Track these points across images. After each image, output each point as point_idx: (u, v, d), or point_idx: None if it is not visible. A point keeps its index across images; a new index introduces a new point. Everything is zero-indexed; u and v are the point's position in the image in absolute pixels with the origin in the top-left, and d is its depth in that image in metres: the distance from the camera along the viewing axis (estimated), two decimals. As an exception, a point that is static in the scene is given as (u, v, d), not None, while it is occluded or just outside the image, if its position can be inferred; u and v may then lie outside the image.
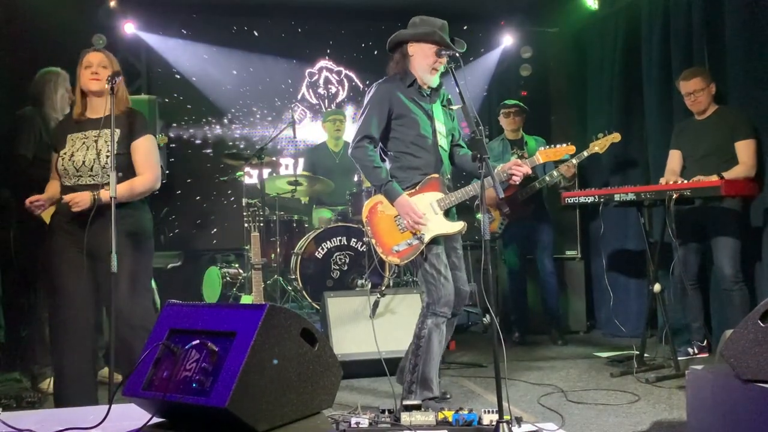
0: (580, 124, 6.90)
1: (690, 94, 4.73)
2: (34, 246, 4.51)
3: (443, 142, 3.75)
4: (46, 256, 3.53)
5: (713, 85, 4.70)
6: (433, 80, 3.70)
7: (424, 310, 3.64)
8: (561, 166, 5.46)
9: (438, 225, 3.60)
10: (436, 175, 3.68)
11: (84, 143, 3.46)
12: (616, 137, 5.11)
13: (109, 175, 3.34)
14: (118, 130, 3.47)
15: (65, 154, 3.47)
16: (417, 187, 3.65)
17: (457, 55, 3.49)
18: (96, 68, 3.50)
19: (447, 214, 3.66)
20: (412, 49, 3.68)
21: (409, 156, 3.68)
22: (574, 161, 5.38)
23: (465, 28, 7.45)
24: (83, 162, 3.42)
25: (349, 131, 7.08)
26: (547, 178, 5.62)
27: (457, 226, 3.63)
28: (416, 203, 3.58)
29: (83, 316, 3.42)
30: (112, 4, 6.41)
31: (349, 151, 3.68)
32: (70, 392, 3.41)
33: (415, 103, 3.68)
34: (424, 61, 3.64)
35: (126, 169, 3.48)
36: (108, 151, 3.42)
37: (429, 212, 3.59)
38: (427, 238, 3.56)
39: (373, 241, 3.69)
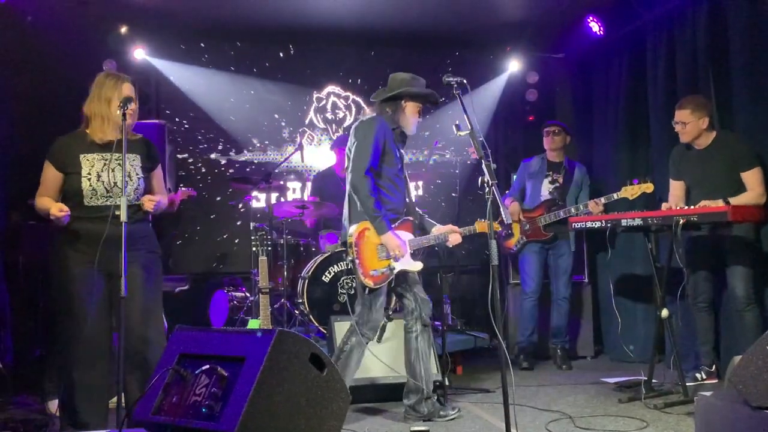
0: (585, 149, 6.92)
1: (677, 123, 4.68)
2: (43, 269, 4.55)
3: (408, 186, 4.27)
4: (61, 278, 3.52)
5: (705, 119, 4.59)
6: (414, 130, 4.24)
7: (352, 327, 4.06)
8: (590, 202, 5.41)
9: (405, 262, 4.09)
10: (411, 218, 4.22)
11: (105, 164, 3.49)
12: (649, 188, 5.05)
13: (137, 196, 3.54)
14: (138, 156, 3.61)
15: (89, 174, 3.50)
16: (395, 224, 4.07)
17: (464, 82, 3.60)
18: (132, 105, 3.53)
19: (412, 253, 4.14)
20: (406, 104, 4.14)
21: (384, 190, 4.08)
22: (603, 200, 5.35)
23: (471, 54, 7.51)
24: (115, 182, 3.45)
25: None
26: (573, 210, 5.57)
27: (418, 266, 4.15)
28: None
29: (100, 337, 3.43)
30: (123, 30, 6.49)
31: (350, 176, 4.03)
32: (82, 413, 3.43)
33: (395, 146, 4.13)
34: (412, 117, 4.17)
35: (144, 192, 3.64)
36: (137, 174, 3.57)
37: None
38: (396, 271, 4.05)
39: (357, 261, 4.01)
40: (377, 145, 3.97)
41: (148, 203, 3.52)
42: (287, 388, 2.20)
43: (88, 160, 3.52)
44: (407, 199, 4.27)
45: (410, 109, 4.15)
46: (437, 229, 4.27)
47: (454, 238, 4.26)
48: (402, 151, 4.23)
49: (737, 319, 4.57)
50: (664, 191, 5.40)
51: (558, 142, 5.93)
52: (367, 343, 4.08)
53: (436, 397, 4.15)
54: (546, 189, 5.92)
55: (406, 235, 4.13)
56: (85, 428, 3.35)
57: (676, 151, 4.90)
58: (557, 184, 5.90)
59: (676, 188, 4.88)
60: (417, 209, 4.41)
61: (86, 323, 3.38)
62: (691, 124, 4.61)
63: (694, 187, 4.77)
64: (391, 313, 4.89)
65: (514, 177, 6.44)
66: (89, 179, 3.50)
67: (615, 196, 5.26)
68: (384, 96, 4.16)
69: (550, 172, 5.93)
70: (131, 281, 3.36)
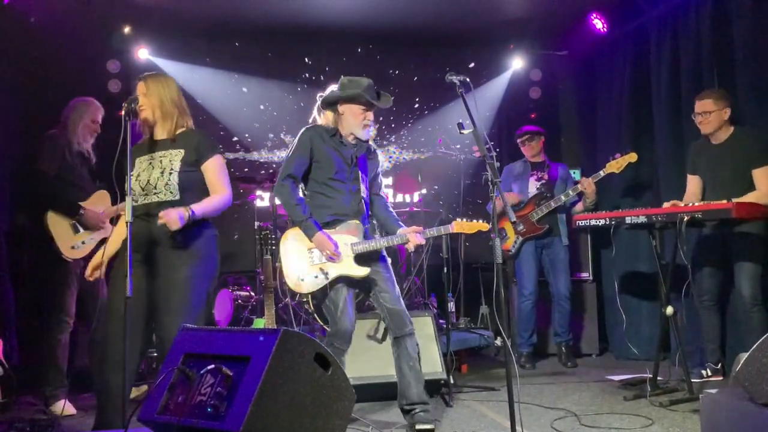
0: (589, 146, 6.92)
1: (699, 114, 4.64)
2: (48, 269, 4.57)
3: (364, 190, 4.10)
4: (115, 281, 3.51)
5: (727, 110, 4.57)
6: (365, 133, 4.10)
7: (326, 339, 3.97)
8: (578, 183, 5.50)
9: (344, 266, 3.94)
10: (357, 221, 4.03)
11: (150, 164, 3.56)
12: (632, 157, 5.17)
13: (171, 192, 3.50)
14: (182, 150, 3.58)
15: (133, 175, 3.55)
16: (336, 228, 3.99)
17: (467, 80, 3.58)
18: (141, 99, 3.59)
19: (358, 257, 3.97)
20: (343, 108, 4.09)
21: (320, 195, 4.03)
22: (591, 179, 5.41)
23: (475, 51, 7.50)
24: (148, 181, 3.51)
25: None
26: (563, 197, 5.61)
27: (363, 271, 3.95)
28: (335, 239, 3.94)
29: (135, 337, 3.40)
30: (126, 30, 6.50)
31: (274, 187, 4.08)
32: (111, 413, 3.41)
33: (335, 150, 4.05)
34: (353, 120, 4.06)
35: (190, 187, 3.55)
36: (173, 169, 3.53)
37: (342, 252, 3.93)
38: (331, 276, 3.92)
39: (283, 266, 4.02)
40: (300, 154, 4.00)
41: (166, 221, 3.37)
42: (292, 387, 2.20)
43: (140, 161, 3.61)
44: (360, 203, 4.05)
45: (350, 112, 4.07)
46: (401, 231, 4.05)
47: (414, 240, 4.00)
48: (348, 154, 4.05)
49: (744, 319, 4.54)
50: (668, 189, 5.41)
51: (535, 148, 5.98)
52: (343, 354, 3.92)
53: (418, 410, 3.88)
54: (533, 186, 5.95)
55: (347, 239, 3.97)
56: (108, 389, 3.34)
57: (694, 145, 4.88)
58: (543, 180, 5.92)
59: (693, 183, 4.84)
60: (388, 212, 4.21)
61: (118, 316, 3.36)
62: (714, 114, 4.57)
63: (707, 183, 4.76)
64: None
65: None
66: (131, 181, 3.53)
67: (602, 173, 5.38)
68: (320, 102, 4.19)
69: (535, 171, 5.97)
70: (143, 280, 3.42)
